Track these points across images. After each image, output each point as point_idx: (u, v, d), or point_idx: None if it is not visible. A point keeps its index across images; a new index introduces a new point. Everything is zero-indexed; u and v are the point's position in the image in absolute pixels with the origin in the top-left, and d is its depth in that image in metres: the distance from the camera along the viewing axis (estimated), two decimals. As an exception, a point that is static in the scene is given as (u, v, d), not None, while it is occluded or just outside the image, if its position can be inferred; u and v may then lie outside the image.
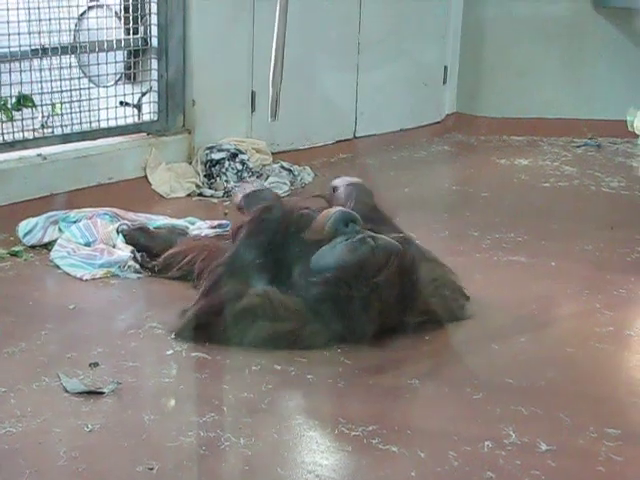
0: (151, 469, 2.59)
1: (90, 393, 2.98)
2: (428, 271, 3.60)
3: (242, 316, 3.33)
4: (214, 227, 4.52)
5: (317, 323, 3.34)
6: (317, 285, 3.35)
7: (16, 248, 4.31)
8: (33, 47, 4.92)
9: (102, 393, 2.99)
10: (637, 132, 6.63)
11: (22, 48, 4.85)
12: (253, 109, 5.81)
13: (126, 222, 4.41)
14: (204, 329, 3.36)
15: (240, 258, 3.52)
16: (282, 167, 5.71)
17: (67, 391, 2.99)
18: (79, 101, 5.15)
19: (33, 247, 4.34)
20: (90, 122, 5.22)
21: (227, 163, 5.51)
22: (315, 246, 3.45)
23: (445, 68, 7.22)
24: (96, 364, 3.18)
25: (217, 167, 5.49)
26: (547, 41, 7.19)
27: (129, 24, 5.35)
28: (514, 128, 7.23)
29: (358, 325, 3.33)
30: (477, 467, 2.64)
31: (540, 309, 3.83)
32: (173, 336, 3.42)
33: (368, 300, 3.32)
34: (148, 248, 4.19)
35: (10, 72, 4.83)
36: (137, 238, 4.24)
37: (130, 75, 5.45)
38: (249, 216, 3.77)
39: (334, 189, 4.12)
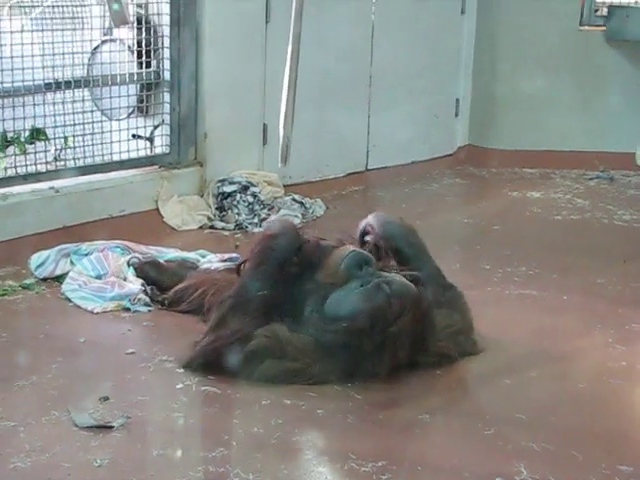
0: (160, 505, 2.59)
1: (99, 427, 2.98)
2: (443, 317, 3.57)
3: (251, 357, 3.32)
4: (224, 260, 4.52)
5: (327, 362, 3.32)
6: (332, 333, 3.31)
7: (28, 281, 4.32)
8: (47, 81, 4.95)
9: (111, 427, 2.98)
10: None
11: (36, 82, 4.89)
12: (265, 142, 5.82)
13: (137, 255, 4.41)
14: (212, 366, 3.35)
15: (247, 290, 3.48)
16: (294, 200, 5.71)
17: (77, 425, 2.99)
18: (92, 134, 5.18)
19: (45, 280, 4.34)
20: (102, 155, 5.24)
21: (239, 196, 5.52)
22: (328, 286, 3.42)
23: (457, 100, 7.23)
24: (106, 398, 3.18)
25: (229, 200, 5.50)
26: (559, 74, 7.19)
27: (142, 58, 5.39)
28: (526, 160, 7.21)
29: (370, 368, 3.31)
30: (488, 504, 2.62)
31: (552, 343, 3.81)
32: (182, 369, 3.41)
33: (382, 347, 3.30)
34: (158, 282, 4.20)
35: (24, 106, 4.86)
36: (147, 272, 4.25)
37: (142, 108, 5.47)
38: (254, 246, 3.71)
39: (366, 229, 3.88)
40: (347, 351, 3.30)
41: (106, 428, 2.97)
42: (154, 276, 4.23)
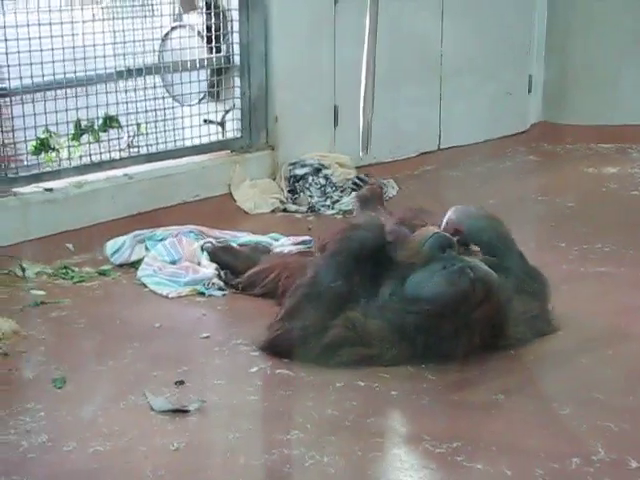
0: (236, 487, 2.60)
1: (176, 411, 3.01)
2: (522, 302, 3.53)
3: (328, 348, 3.31)
4: (297, 243, 4.53)
5: (402, 346, 3.31)
6: (413, 315, 3.29)
7: (104, 267, 4.39)
8: (118, 69, 5.00)
9: (187, 411, 3.01)
10: None
11: (108, 70, 4.94)
12: (336, 124, 5.82)
13: (210, 240, 4.45)
14: (287, 355, 3.37)
15: (322, 279, 3.45)
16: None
17: (153, 409, 3.02)
18: (164, 120, 5.22)
19: (120, 266, 4.41)
20: (175, 141, 5.29)
21: (310, 178, 5.53)
22: (408, 267, 3.39)
23: (530, 77, 7.14)
24: (182, 382, 3.21)
25: (301, 182, 5.51)
26: (634, 46, 7.06)
27: (212, 43, 5.42)
28: (601, 136, 7.10)
29: (446, 351, 3.29)
30: (564, 484, 2.60)
31: (629, 321, 3.75)
32: (257, 352, 3.43)
33: (461, 331, 3.28)
34: (232, 266, 4.22)
35: (97, 94, 4.92)
36: (221, 256, 4.28)
37: (213, 93, 5.50)
38: (334, 234, 3.67)
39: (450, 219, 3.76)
40: (425, 334, 3.28)
41: (182, 412, 3.00)
42: (228, 260, 4.26)
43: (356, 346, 3.32)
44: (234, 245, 4.43)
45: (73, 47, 4.77)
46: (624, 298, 4.02)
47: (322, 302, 3.39)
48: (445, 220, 3.70)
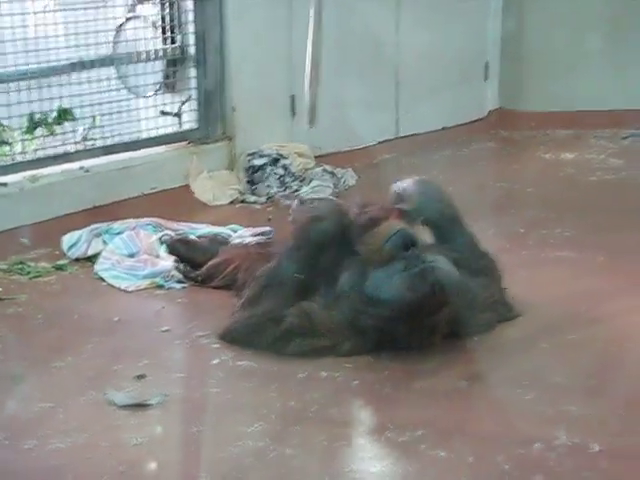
0: (199, 481, 2.58)
1: (137, 406, 2.98)
2: (482, 287, 3.53)
3: (282, 336, 3.31)
4: (257, 235, 4.50)
5: (357, 339, 3.30)
6: (372, 318, 3.27)
7: (61, 262, 4.34)
8: (72, 61, 4.94)
9: (149, 405, 2.98)
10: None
11: (61, 62, 4.88)
12: (294, 113, 5.79)
13: (168, 232, 4.41)
14: (244, 342, 3.36)
15: (282, 271, 3.44)
16: (325, 170, 5.67)
17: (114, 404, 2.99)
18: (119, 112, 5.18)
19: (77, 260, 4.37)
20: (131, 133, 5.24)
21: (269, 169, 5.50)
22: (369, 263, 3.36)
23: (486, 64, 7.15)
24: (142, 376, 3.18)
25: (259, 173, 5.49)
26: (589, 32, 7.07)
27: (166, 34, 5.37)
28: (559, 122, 7.12)
29: (403, 345, 3.29)
30: (527, 470, 2.59)
31: (590, 305, 3.76)
32: (217, 343, 3.42)
33: (421, 333, 3.27)
34: (190, 259, 4.19)
35: (50, 87, 4.86)
36: (179, 249, 4.25)
37: (169, 84, 5.46)
38: (296, 226, 3.67)
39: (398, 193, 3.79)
40: (382, 335, 3.27)
41: (143, 406, 2.97)
42: (186, 253, 4.23)
43: (309, 337, 3.31)
44: (193, 237, 4.40)
45: (25, 39, 4.71)
46: (584, 283, 4.04)
47: (282, 292, 3.39)
48: (399, 188, 3.70)
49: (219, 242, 4.35)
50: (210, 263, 4.07)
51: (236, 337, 3.39)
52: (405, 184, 3.75)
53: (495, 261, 3.69)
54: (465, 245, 3.64)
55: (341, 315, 3.32)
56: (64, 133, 4.96)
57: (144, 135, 5.30)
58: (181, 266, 4.13)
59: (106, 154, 5.09)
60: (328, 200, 4.09)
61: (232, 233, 4.55)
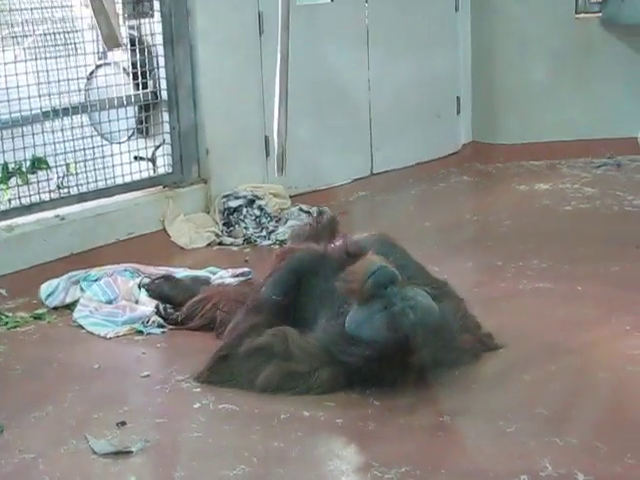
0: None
1: (119, 453, 2.95)
2: (455, 308, 3.54)
3: (257, 353, 3.33)
4: (237, 275, 4.50)
5: (334, 368, 3.29)
6: (351, 356, 3.26)
7: (39, 311, 4.32)
8: (44, 109, 4.94)
9: (131, 452, 2.96)
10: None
11: (33, 111, 4.88)
12: (267, 154, 5.80)
13: (147, 276, 4.40)
14: (222, 365, 3.39)
15: (261, 295, 3.52)
16: (301, 210, 5.68)
17: (95, 453, 2.97)
18: (93, 159, 5.17)
19: (56, 309, 4.35)
20: (105, 179, 5.24)
21: (245, 210, 5.50)
22: (349, 300, 3.35)
23: (458, 98, 7.20)
24: (123, 423, 3.16)
25: (235, 215, 5.49)
26: (559, 63, 7.14)
27: (138, 79, 5.38)
28: (532, 153, 7.17)
29: (383, 381, 3.28)
30: (514, 503, 2.59)
31: (569, 335, 3.77)
32: (197, 384, 3.42)
33: (400, 369, 3.26)
34: (172, 298, 4.19)
35: (23, 136, 4.85)
36: (161, 287, 4.25)
37: (142, 130, 5.46)
38: (275, 260, 3.74)
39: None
40: (362, 373, 3.27)
41: (125, 453, 2.95)
42: (168, 291, 4.23)
43: (285, 360, 3.31)
44: (174, 275, 4.40)
45: (-4, 89, 4.71)
46: (562, 313, 4.05)
47: (260, 312, 3.46)
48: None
49: (201, 282, 4.35)
50: (190, 302, 4.07)
51: (213, 364, 3.43)
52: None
53: (453, 289, 3.71)
54: (418, 273, 3.65)
55: (319, 344, 3.32)
56: (38, 182, 4.93)
57: (119, 181, 5.29)
58: (162, 307, 4.11)
59: (81, 201, 5.08)
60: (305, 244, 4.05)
61: (211, 275, 4.54)
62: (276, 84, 3.95)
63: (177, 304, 4.15)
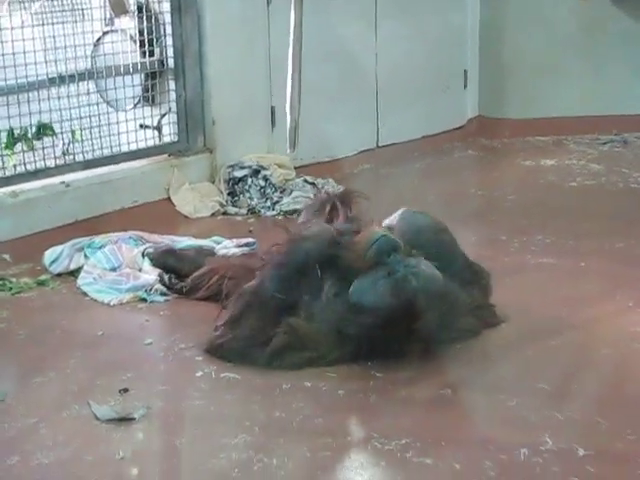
0: (184, 494, 2.57)
1: (121, 420, 2.96)
2: (467, 294, 3.53)
3: (271, 357, 3.30)
4: (241, 246, 4.49)
5: (344, 347, 3.29)
6: (356, 326, 3.26)
7: (43, 277, 4.31)
8: (50, 76, 4.93)
9: (133, 419, 2.96)
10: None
11: (39, 77, 4.87)
12: (273, 124, 5.79)
13: (151, 245, 4.40)
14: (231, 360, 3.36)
15: (266, 289, 3.41)
16: (305, 181, 5.67)
17: (98, 418, 2.97)
18: (99, 126, 5.16)
19: (59, 275, 4.34)
20: (111, 147, 5.22)
21: (250, 180, 5.50)
22: (353, 270, 3.33)
23: (465, 72, 7.18)
24: (126, 390, 3.16)
25: (240, 185, 5.48)
26: (566, 38, 7.12)
27: (145, 47, 5.36)
28: (538, 129, 7.16)
29: (389, 352, 3.28)
30: (514, 476, 2.60)
31: (572, 311, 3.77)
32: (202, 357, 3.40)
33: (404, 337, 3.25)
34: (176, 269, 4.18)
35: (29, 102, 4.84)
36: (165, 260, 4.23)
37: (148, 98, 5.45)
38: (282, 244, 3.62)
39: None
40: (367, 341, 3.27)
41: (127, 420, 2.96)
42: (172, 264, 4.21)
43: (299, 350, 3.30)
44: (177, 249, 4.39)
45: (3, 55, 4.69)
46: (566, 288, 4.05)
47: (265, 311, 3.38)
48: (388, 224, 3.63)
49: (205, 253, 4.33)
50: (195, 274, 4.05)
51: (222, 357, 3.38)
52: (394, 218, 3.66)
53: (489, 278, 3.69)
54: (461, 270, 3.60)
55: (326, 325, 3.31)
56: (44, 148, 4.93)
57: (124, 149, 5.28)
58: (166, 277, 4.11)
59: (86, 168, 5.08)
60: (320, 225, 3.92)
61: (215, 245, 4.53)
62: (289, 57, 3.90)
63: (182, 276, 4.14)
